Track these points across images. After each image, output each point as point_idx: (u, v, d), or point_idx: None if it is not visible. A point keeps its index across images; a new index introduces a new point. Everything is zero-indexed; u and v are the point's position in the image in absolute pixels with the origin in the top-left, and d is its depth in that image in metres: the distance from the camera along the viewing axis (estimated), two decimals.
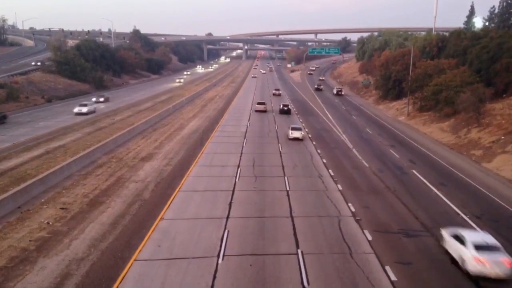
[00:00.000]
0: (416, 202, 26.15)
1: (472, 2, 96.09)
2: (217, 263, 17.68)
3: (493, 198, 27.21)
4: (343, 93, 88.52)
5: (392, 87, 72.17)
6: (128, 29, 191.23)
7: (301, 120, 57.10)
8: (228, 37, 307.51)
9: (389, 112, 66.69)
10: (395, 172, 33.06)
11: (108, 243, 19.60)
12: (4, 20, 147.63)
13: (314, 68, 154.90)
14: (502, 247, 17.66)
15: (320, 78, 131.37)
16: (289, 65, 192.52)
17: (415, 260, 18.58)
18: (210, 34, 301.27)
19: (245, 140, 42.55)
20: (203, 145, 40.07)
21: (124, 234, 20.60)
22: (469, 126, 44.59)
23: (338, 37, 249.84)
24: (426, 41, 76.50)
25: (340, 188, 28.13)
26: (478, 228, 21.99)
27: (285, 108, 61.11)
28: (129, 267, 17.28)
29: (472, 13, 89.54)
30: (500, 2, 79.91)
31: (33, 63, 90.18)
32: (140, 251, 18.71)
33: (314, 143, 42.44)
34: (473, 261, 16.85)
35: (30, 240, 19.65)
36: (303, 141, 43.07)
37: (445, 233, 19.53)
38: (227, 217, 22.67)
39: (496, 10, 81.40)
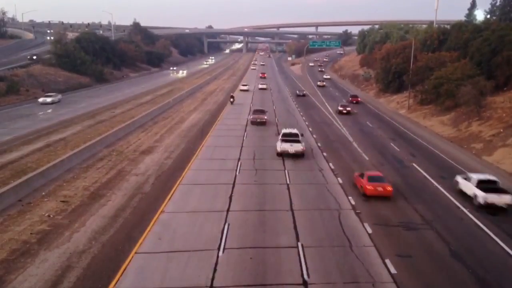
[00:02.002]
0: (416, 195, 26.18)
1: None
2: (218, 256, 17.74)
3: None
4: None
5: (393, 80, 71.93)
6: (128, 22, 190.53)
7: (301, 113, 57.05)
8: (229, 30, 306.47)
9: (390, 105, 66.58)
10: (395, 165, 33.07)
11: (109, 236, 19.67)
12: (4, 13, 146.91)
13: (313, 65, 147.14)
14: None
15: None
16: (289, 58, 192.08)
17: (415, 253, 18.63)
18: (210, 26, 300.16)
19: (245, 134, 42.54)
20: (203, 139, 40.07)
21: (125, 227, 20.66)
22: (470, 119, 44.53)
23: (339, 30, 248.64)
24: (427, 34, 76.13)
25: (340, 181, 28.15)
26: (479, 222, 22.08)
27: None
28: (130, 260, 17.35)
29: (473, 5, 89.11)
30: None
31: (28, 57, 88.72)
32: (140, 244, 18.78)
33: (314, 136, 42.43)
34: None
35: (31, 233, 19.72)
36: (304, 135, 43.05)
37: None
38: (228, 210, 22.72)
39: (498, 3, 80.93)
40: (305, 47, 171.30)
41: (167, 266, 16.89)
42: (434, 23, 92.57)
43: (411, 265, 17.63)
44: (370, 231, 20.54)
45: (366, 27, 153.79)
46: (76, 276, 16.25)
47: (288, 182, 27.77)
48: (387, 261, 17.64)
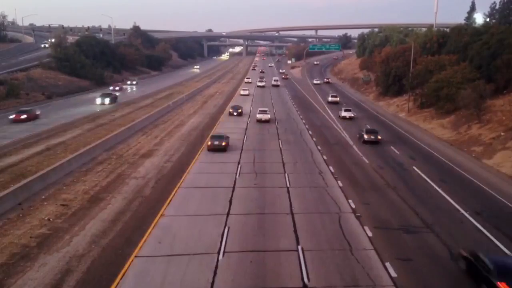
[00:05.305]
0: (416, 198, 26.14)
1: None
2: (218, 260, 17.71)
3: (493, 195, 27.18)
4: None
5: (393, 84, 71.98)
6: (128, 25, 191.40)
7: (301, 116, 57.08)
8: (229, 33, 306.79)
9: (390, 108, 66.58)
10: (395, 168, 33.04)
11: (108, 240, 19.64)
12: (4, 17, 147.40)
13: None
14: None
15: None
16: (289, 62, 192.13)
17: (415, 256, 18.59)
18: (210, 30, 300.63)
19: (245, 137, 42.55)
20: (203, 142, 40.03)
21: (125, 231, 20.63)
22: (470, 122, 44.53)
23: (339, 33, 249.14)
24: (427, 37, 76.22)
25: (341, 184, 28.12)
26: (479, 225, 22.04)
27: None
28: (130, 264, 17.32)
29: (473, 9, 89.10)
30: None
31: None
32: (140, 247, 18.75)
33: (314, 139, 42.42)
34: None
35: (30, 237, 19.68)
36: (303, 138, 43.07)
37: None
38: (228, 214, 22.69)
39: (497, 6, 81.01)
40: (305, 50, 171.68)
41: (167, 270, 16.86)
42: (434, 27, 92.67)
43: (412, 268, 17.59)
44: (370, 234, 20.50)
45: (365, 31, 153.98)
46: (76, 280, 16.21)
47: (288, 185, 27.75)
48: (388, 264, 17.60)
